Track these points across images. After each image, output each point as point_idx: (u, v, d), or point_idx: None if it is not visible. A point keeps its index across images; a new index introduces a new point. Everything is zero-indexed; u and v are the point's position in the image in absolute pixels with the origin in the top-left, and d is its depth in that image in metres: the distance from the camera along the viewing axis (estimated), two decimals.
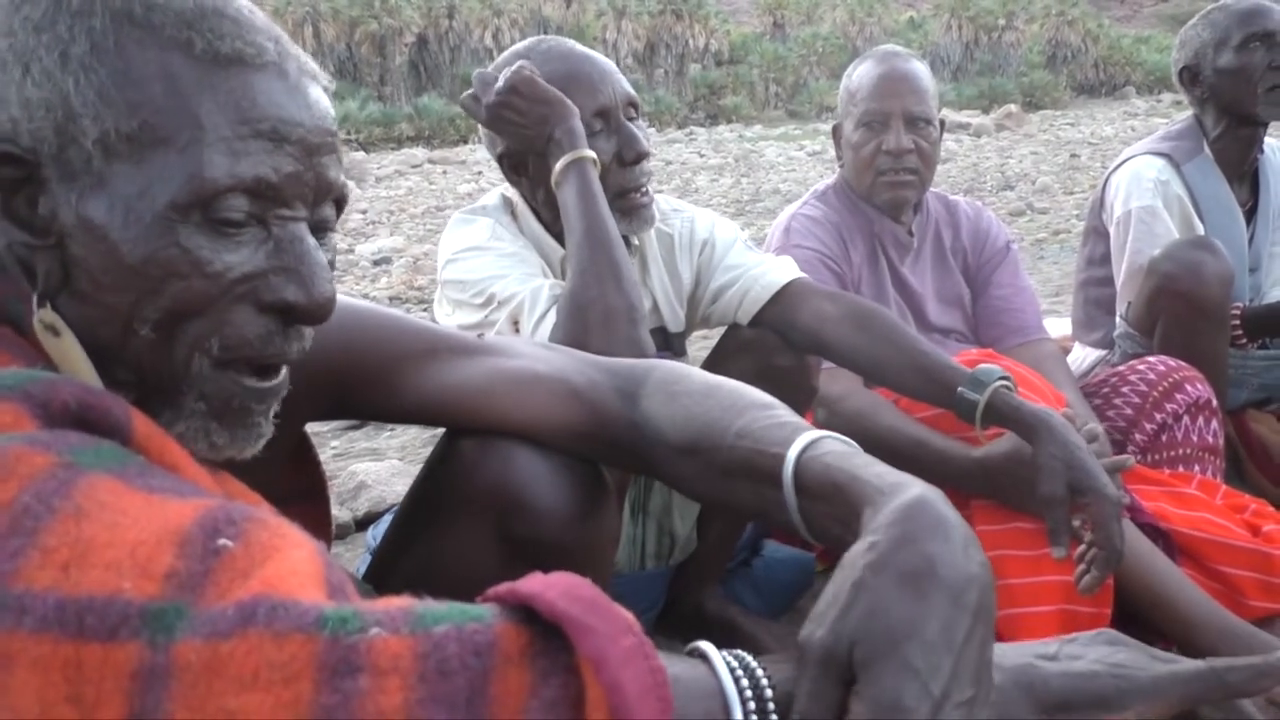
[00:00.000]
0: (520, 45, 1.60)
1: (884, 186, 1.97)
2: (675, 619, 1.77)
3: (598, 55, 1.59)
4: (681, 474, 0.91)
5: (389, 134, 27.76)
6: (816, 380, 1.62)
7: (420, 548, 1.06)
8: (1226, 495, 1.76)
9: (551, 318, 1.34)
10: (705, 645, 0.58)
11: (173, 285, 0.66)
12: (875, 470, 0.69)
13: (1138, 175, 2.24)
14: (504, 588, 0.55)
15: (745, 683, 0.56)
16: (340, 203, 0.76)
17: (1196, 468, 1.83)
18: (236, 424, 0.72)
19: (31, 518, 0.51)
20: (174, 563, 0.51)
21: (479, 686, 0.51)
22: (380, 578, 1.11)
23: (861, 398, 1.73)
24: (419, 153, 20.57)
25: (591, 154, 1.43)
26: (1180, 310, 2.01)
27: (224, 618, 0.49)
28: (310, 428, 1.00)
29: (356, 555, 2.10)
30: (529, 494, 0.96)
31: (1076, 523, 1.41)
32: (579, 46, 1.59)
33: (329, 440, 3.22)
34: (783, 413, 0.85)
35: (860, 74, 2.01)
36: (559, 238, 1.51)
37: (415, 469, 2.57)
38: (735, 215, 9.08)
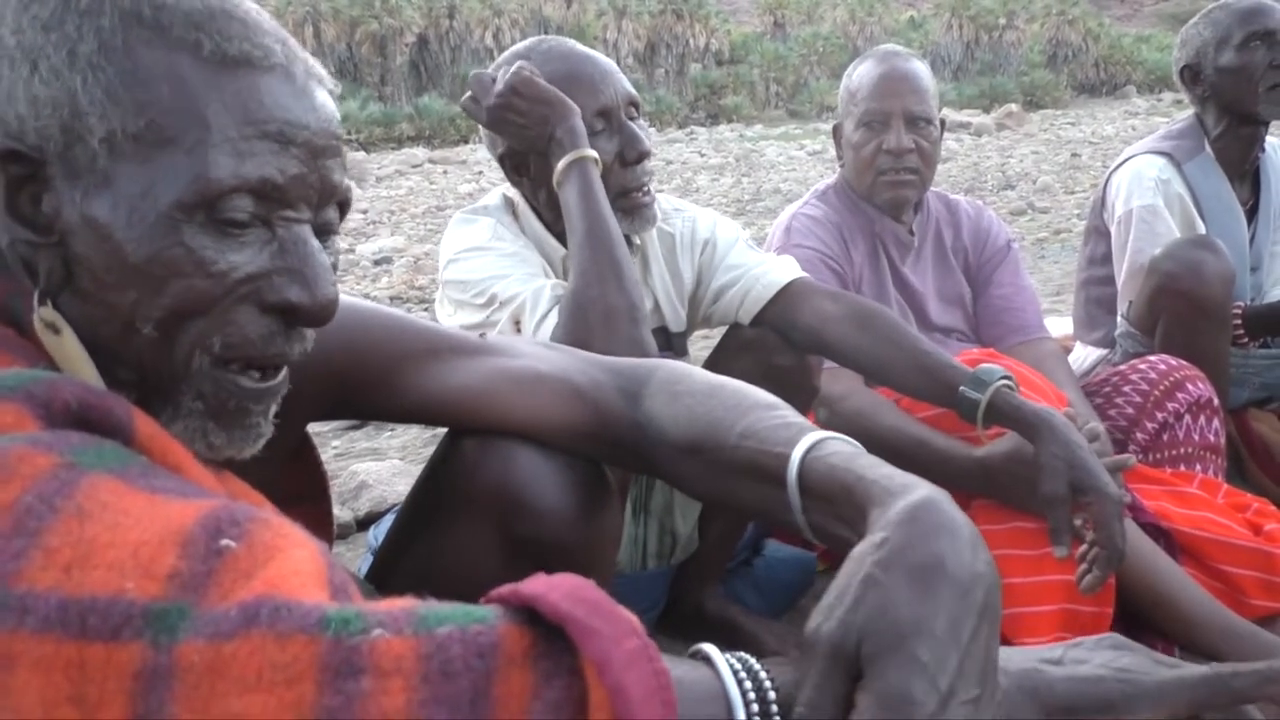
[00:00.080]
0: (520, 45, 1.60)
1: (885, 186, 1.97)
2: (676, 618, 1.77)
3: (598, 55, 1.59)
4: (684, 474, 0.91)
5: (389, 134, 27.78)
6: (818, 380, 1.62)
7: (422, 547, 1.06)
8: (1228, 494, 1.76)
9: (553, 318, 1.34)
10: (708, 648, 0.58)
11: (176, 284, 0.66)
12: (882, 471, 0.69)
13: (1139, 174, 2.24)
14: (507, 589, 0.55)
15: (748, 684, 0.56)
16: (344, 206, 0.76)
17: (1198, 467, 1.83)
18: (234, 424, 0.72)
19: (34, 518, 0.51)
20: (176, 563, 0.51)
21: (482, 688, 0.50)
22: (382, 577, 1.11)
23: (862, 397, 1.73)
24: (419, 152, 20.59)
25: (593, 153, 1.43)
26: (1181, 309, 2.01)
27: (227, 618, 0.49)
28: (311, 428, 0.99)
29: (358, 555, 2.10)
30: (531, 493, 0.96)
31: (1078, 522, 1.41)
32: (579, 46, 1.59)
33: (330, 440, 3.22)
34: (787, 413, 0.85)
35: (861, 74, 2.01)
36: (560, 237, 1.51)
37: (416, 469, 2.57)
38: (736, 215, 9.08)
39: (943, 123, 2.03)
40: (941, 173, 10.11)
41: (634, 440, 0.93)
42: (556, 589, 0.54)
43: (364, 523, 2.38)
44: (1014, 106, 24.60)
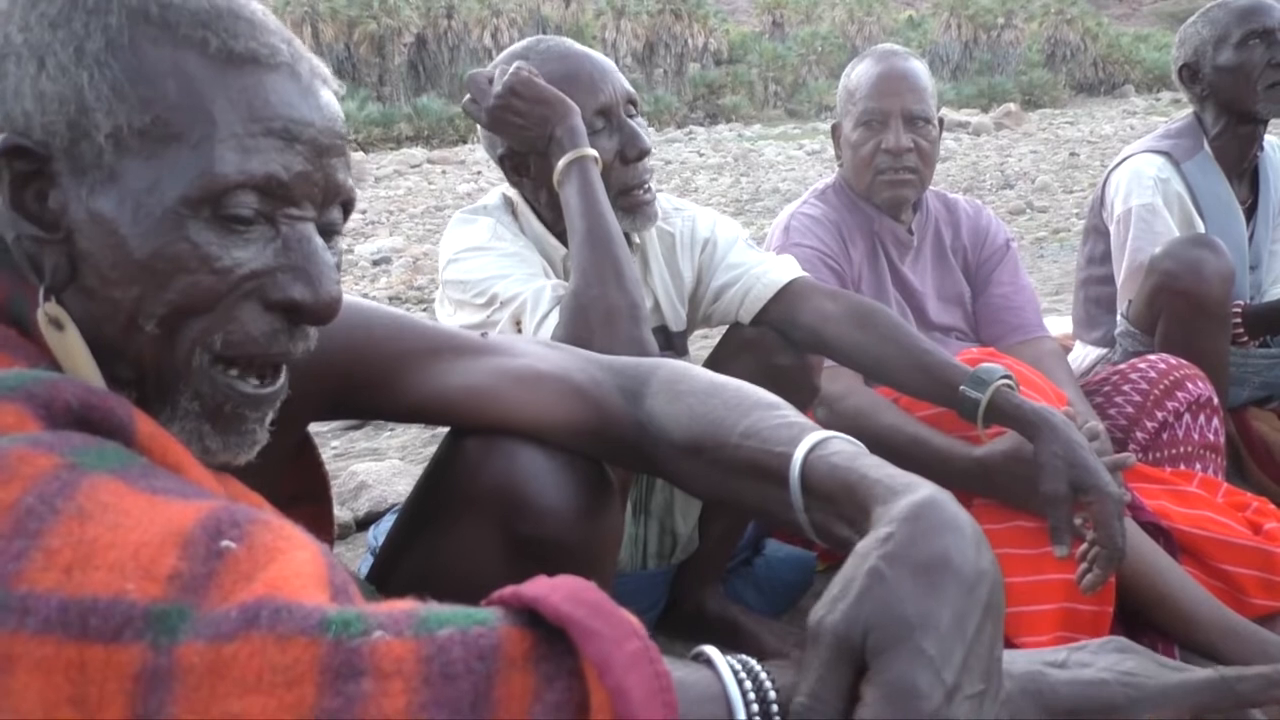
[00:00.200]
0: (518, 45, 1.60)
1: (883, 185, 1.97)
2: (677, 618, 1.77)
3: (596, 53, 1.59)
4: (685, 473, 0.91)
5: (388, 134, 27.76)
6: (818, 379, 1.62)
7: (424, 547, 1.06)
8: (1228, 493, 1.76)
9: (554, 318, 1.34)
10: (709, 649, 0.58)
11: (180, 280, 0.67)
12: (885, 471, 0.70)
13: (1138, 173, 2.24)
14: (508, 591, 0.55)
15: (749, 685, 0.56)
16: (347, 206, 0.77)
17: (1198, 466, 1.83)
18: (229, 429, 0.72)
19: (35, 519, 0.51)
20: (177, 564, 0.51)
21: (483, 690, 0.50)
22: (383, 577, 1.11)
23: (862, 396, 1.73)
24: (418, 153, 20.58)
25: (593, 152, 1.43)
26: (1181, 308, 2.01)
27: (227, 620, 0.49)
28: (310, 428, 0.99)
29: (357, 555, 2.10)
30: (533, 492, 0.96)
31: (1078, 521, 1.41)
32: (577, 45, 1.59)
33: (329, 440, 3.22)
34: (789, 412, 0.85)
35: (859, 73, 2.01)
36: (561, 237, 1.51)
37: (416, 469, 2.57)
38: (735, 214, 9.08)
39: (941, 122, 2.03)
40: (940, 172, 10.12)
41: (635, 439, 0.93)
42: (557, 591, 0.53)
43: (364, 523, 2.38)
44: (1012, 106, 24.59)
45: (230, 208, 0.67)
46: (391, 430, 3.27)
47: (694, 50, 38.14)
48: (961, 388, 1.45)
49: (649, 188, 1.55)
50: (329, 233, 0.75)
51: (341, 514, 2.37)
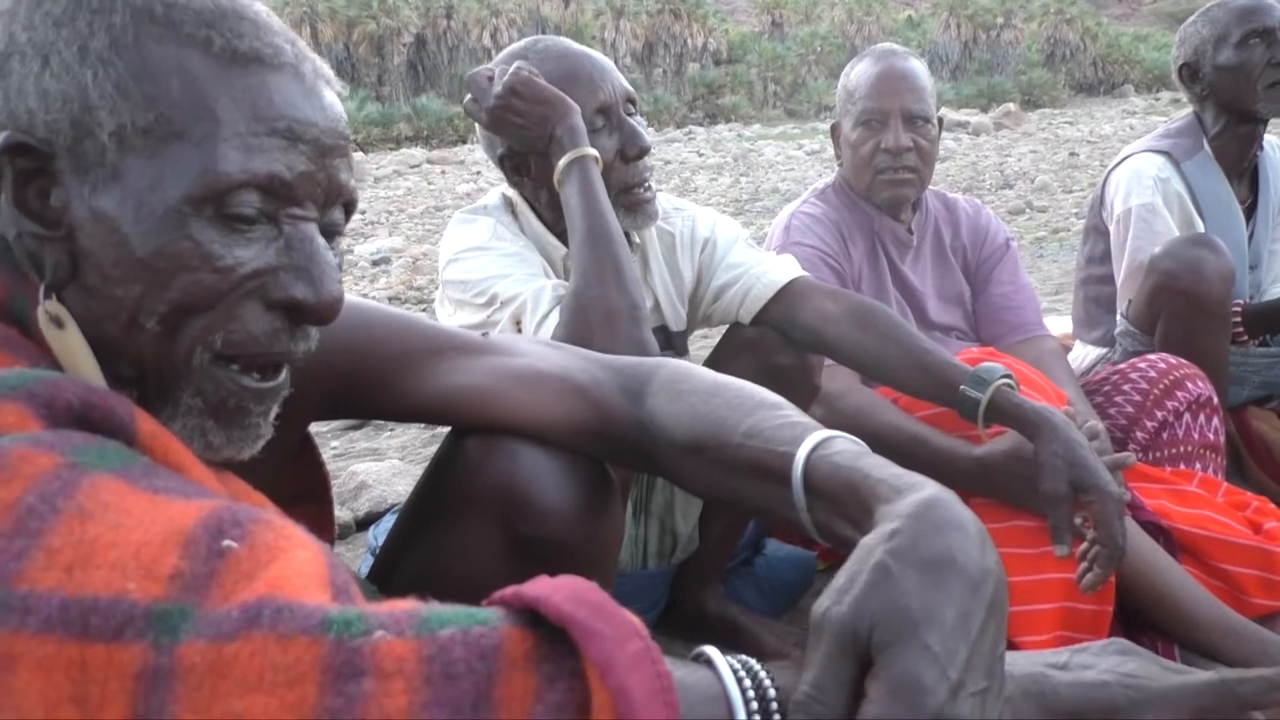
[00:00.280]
0: (516, 45, 1.60)
1: (883, 185, 1.97)
2: (677, 618, 1.77)
3: (595, 52, 1.59)
4: (687, 472, 0.91)
5: (387, 134, 27.76)
6: (819, 379, 1.62)
7: (425, 546, 1.06)
8: (1228, 493, 1.76)
9: (554, 317, 1.34)
10: (710, 650, 0.58)
11: (182, 278, 0.67)
12: (889, 470, 0.70)
13: (1138, 173, 2.24)
14: (510, 591, 0.55)
15: (749, 684, 0.56)
16: (349, 207, 0.77)
17: (1198, 465, 1.83)
18: (233, 424, 0.72)
19: (36, 518, 0.51)
20: (178, 564, 0.51)
21: (484, 690, 0.50)
22: (384, 577, 1.11)
23: (861, 395, 1.73)
24: (417, 153, 20.58)
25: (593, 152, 1.43)
26: (1181, 308, 2.01)
27: (228, 619, 0.49)
28: (311, 428, 0.99)
29: (357, 556, 2.10)
30: (534, 492, 0.96)
31: (1078, 520, 1.41)
32: (575, 45, 1.59)
33: (329, 440, 3.22)
34: (791, 412, 0.85)
35: (858, 73, 2.01)
36: (562, 236, 1.51)
37: (416, 469, 2.57)
38: (734, 214, 9.08)
39: (941, 121, 2.03)
40: (940, 172, 10.12)
41: (637, 439, 0.93)
42: (559, 591, 0.53)
43: (363, 523, 2.38)
44: (1012, 106, 24.61)
45: (233, 207, 0.67)
46: (391, 430, 3.26)
47: (693, 50, 38.14)
48: (962, 387, 1.45)
49: (649, 186, 1.55)
50: (331, 233, 0.75)
51: (341, 514, 2.37)
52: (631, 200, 1.52)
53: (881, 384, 1.65)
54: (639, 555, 1.73)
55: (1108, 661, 0.64)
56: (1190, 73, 2.30)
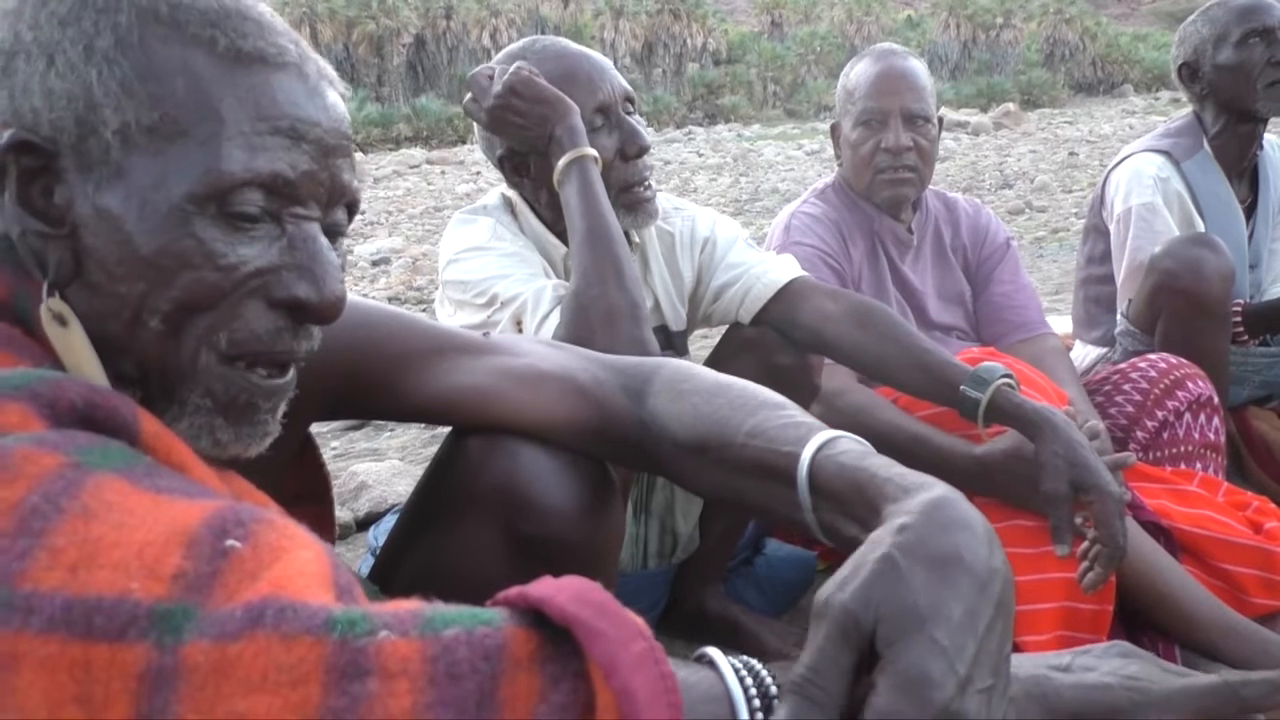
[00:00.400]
0: (514, 46, 1.60)
1: (883, 184, 1.97)
2: (677, 618, 1.77)
3: (593, 52, 1.59)
4: (689, 472, 0.91)
5: (387, 134, 27.76)
6: (819, 379, 1.62)
7: (426, 546, 1.06)
8: (1228, 492, 1.76)
9: (555, 318, 1.34)
10: (711, 650, 0.58)
11: (185, 276, 0.67)
12: (896, 470, 0.70)
13: (1138, 172, 2.24)
14: (514, 591, 0.55)
15: (750, 683, 0.56)
16: (352, 208, 0.77)
17: (1198, 465, 1.83)
18: (242, 420, 0.72)
19: (39, 518, 0.51)
20: (182, 563, 0.51)
21: (488, 690, 0.50)
22: (385, 577, 1.11)
23: (860, 394, 1.73)
24: (417, 153, 20.58)
25: (593, 151, 1.43)
26: (1181, 307, 2.02)
27: (232, 619, 0.49)
28: (311, 428, 0.99)
29: (358, 556, 2.10)
30: (535, 492, 0.96)
31: (1079, 520, 1.41)
32: (573, 45, 1.59)
33: (329, 441, 3.22)
34: (795, 412, 0.85)
35: (858, 72, 2.01)
36: (561, 236, 1.51)
37: (416, 469, 2.57)
38: (734, 214, 9.08)
39: (940, 121, 2.03)
40: (939, 172, 10.12)
41: (638, 438, 0.93)
42: (563, 591, 0.53)
43: (364, 523, 2.38)
44: (1011, 105, 24.61)
45: (236, 205, 0.68)
46: (391, 430, 3.26)
47: (693, 50, 38.13)
48: (962, 387, 1.45)
49: (649, 185, 1.56)
50: (333, 233, 0.75)
51: (342, 514, 2.37)
52: (631, 199, 1.52)
53: (882, 384, 1.65)
54: (639, 555, 1.73)
55: (1110, 664, 0.64)
56: (1190, 72, 2.30)
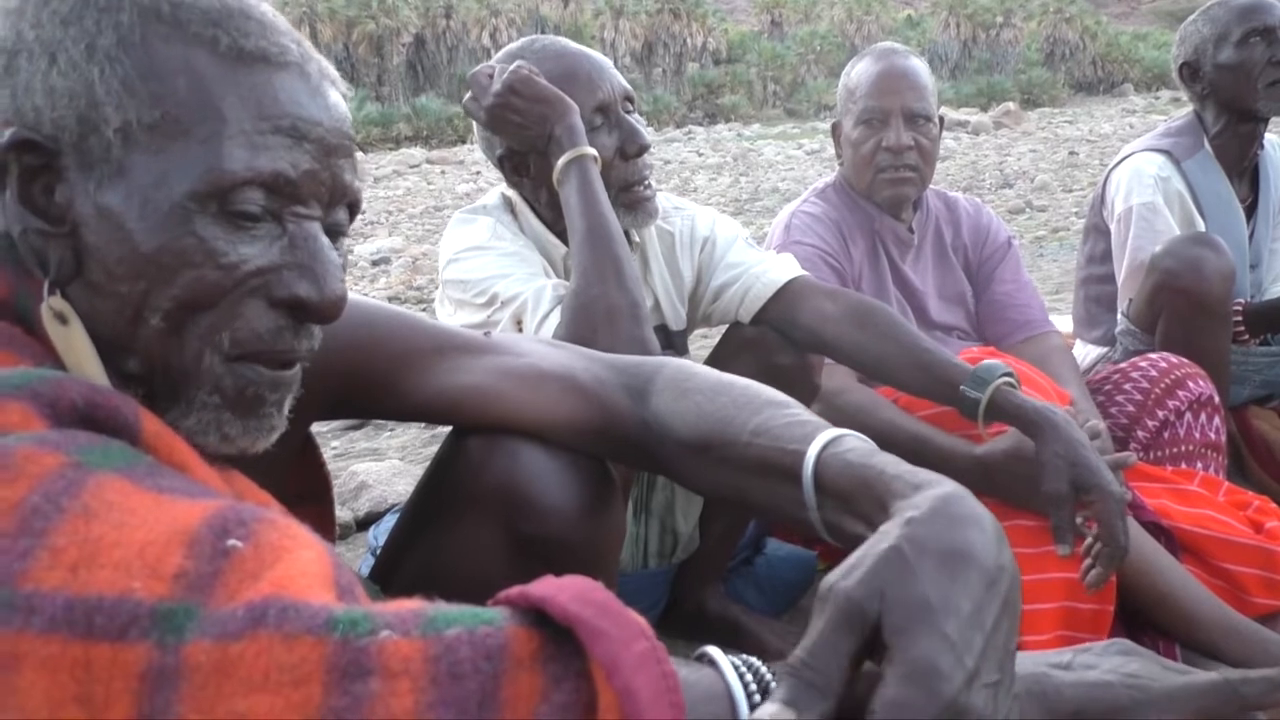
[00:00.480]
0: (513, 45, 1.60)
1: (884, 184, 1.97)
2: (678, 618, 1.77)
3: (592, 51, 1.59)
4: (691, 471, 0.91)
5: (387, 134, 27.75)
6: (819, 378, 1.62)
7: (426, 546, 1.06)
8: (1229, 492, 1.76)
9: (555, 317, 1.34)
10: (712, 650, 0.58)
11: (186, 274, 0.67)
12: (904, 468, 0.70)
13: (1138, 172, 2.24)
14: (515, 591, 0.55)
15: (751, 682, 0.56)
16: (353, 208, 0.77)
17: (1199, 465, 1.83)
18: (250, 414, 0.72)
19: (40, 518, 0.51)
20: (183, 563, 0.51)
21: (490, 690, 0.50)
22: (385, 577, 1.11)
23: (860, 393, 1.72)
24: (417, 153, 20.57)
25: (592, 151, 1.43)
26: (1182, 307, 2.02)
27: (234, 619, 0.49)
28: (311, 428, 0.99)
29: (358, 556, 2.10)
30: (536, 491, 0.96)
31: (1080, 520, 1.41)
32: (573, 44, 1.59)
33: (329, 440, 3.22)
34: (799, 410, 0.85)
35: (859, 71, 2.01)
36: (561, 235, 1.51)
37: (416, 469, 2.57)
38: (734, 214, 9.07)
39: (941, 120, 2.03)
40: (940, 171, 10.11)
41: (640, 438, 0.93)
42: (565, 591, 0.53)
43: (364, 523, 2.38)
44: (1011, 105, 24.61)
45: (237, 204, 0.68)
46: (391, 430, 3.26)
47: (693, 50, 38.13)
48: (962, 386, 1.45)
49: (649, 184, 1.56)
50: (334, 233, 0.75)
51: (342, 514, 2.37)
52: (631, 198, 1.52)
53: (882, 383, 1.65)
54: (639, 554, 1.73)
55: (1111, 662, 0.64)
56: (1191, 71, 2.30)
